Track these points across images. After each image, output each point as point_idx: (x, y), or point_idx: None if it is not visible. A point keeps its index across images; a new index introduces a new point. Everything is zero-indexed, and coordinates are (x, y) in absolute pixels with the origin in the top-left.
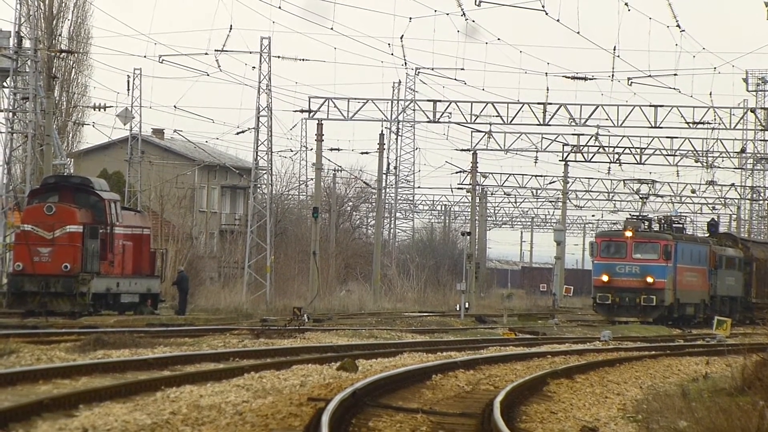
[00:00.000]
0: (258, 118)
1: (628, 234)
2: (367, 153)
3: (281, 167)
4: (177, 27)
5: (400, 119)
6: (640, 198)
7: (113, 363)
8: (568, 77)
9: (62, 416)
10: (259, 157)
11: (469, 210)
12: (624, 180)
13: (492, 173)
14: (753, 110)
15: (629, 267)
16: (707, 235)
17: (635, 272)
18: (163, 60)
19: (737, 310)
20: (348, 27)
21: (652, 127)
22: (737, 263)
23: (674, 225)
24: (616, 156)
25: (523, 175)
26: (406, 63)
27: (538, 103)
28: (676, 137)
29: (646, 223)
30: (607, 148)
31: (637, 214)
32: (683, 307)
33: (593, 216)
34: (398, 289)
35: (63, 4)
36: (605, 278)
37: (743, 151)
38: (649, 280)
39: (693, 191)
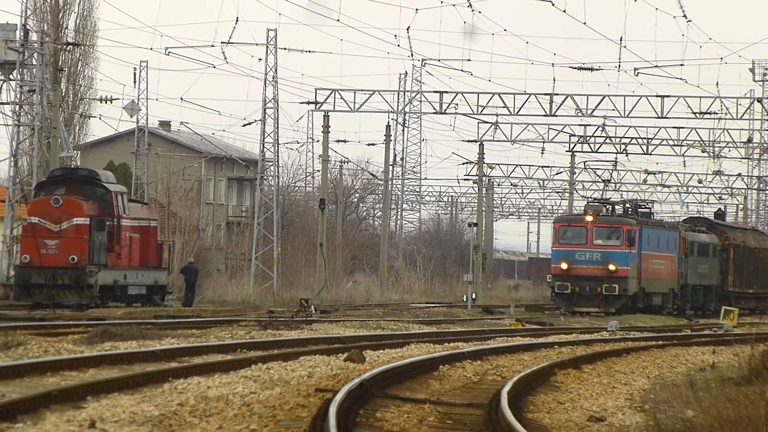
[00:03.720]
0: (264, 110)
1: (589, 219)
2: (373, 144)
3: (288, 159)
4: (183, 19)
5: (406, 110)
6: (603, 181)
7: (121, 355)
8: (575, 68)
9: (70, 408)
10: (265, 149)
11: (476, 201)
12: (584, 162)
13: (499, 164)
14: (759, 100)
15: (590, 254)
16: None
17: (596, 259)
18: (169, 52)
19: (712, 300)
20: (354, 18)
21: (658, 118)
22: (711, 250)
23: (640, 209)
24: (623, 146)
25: (529, 165)
26: (412, 54)
27: (545, 94)
28: (683, 127)
29: (609, 207)
30: (613, 139)
31: (600, 198)
32: (649, 297)
33: None
34: (405, 281)
35: None
36: (564, 266)
37: (750, 141)
38: (611, 267)
39: (700, 181)
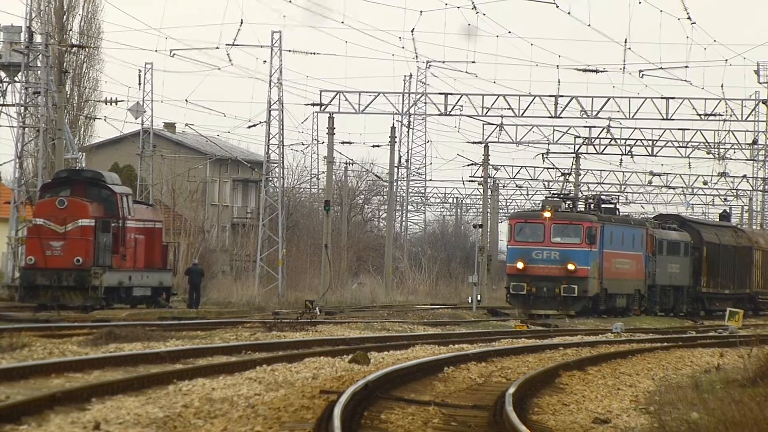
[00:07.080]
0: (269, 111)
1: (547, 215)
2: (378, 146)
3: (293, 161)
4: (188, 21)
5: (411, 112)
6: (562, 174)
7: (125, 356)
8: (580, 70)
9: (75, 410)
10: (270, 151)
11: (481, 202)
12: (543, 154)
13: (504, 165)
14: (764, 102)
15: (547, 252)
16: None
17: (554, 258)
18: (174, 54)
19: (683, 302)
20: (359, 20)
21: (663, 119)
22: (683, 248)
23: (603, 205)
24: (628, 148)
25: (534, 167)
26: (417, 56)
27: (550, 96)
28: (688, 129)
29: (569, 203)
30: (618, 141)
31: (559, 192)
32: (612, 299)
33: None
34: (410, 282)
35: None
36: (520, 265)
37: (755, 142)
38: (570, 267)
39: (705, 183)
